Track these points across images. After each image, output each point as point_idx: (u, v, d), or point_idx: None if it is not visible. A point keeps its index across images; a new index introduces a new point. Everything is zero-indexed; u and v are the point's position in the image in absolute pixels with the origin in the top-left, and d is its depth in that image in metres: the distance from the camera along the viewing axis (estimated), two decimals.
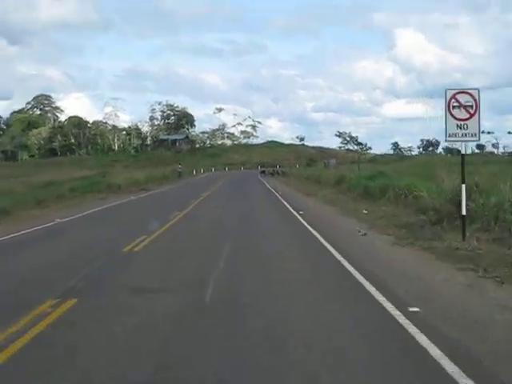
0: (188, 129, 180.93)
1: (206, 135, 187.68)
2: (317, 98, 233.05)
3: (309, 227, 22.39)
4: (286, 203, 35.83)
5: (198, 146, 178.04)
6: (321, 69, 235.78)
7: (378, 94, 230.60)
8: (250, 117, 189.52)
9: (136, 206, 37.96)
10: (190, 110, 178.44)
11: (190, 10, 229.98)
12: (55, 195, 40.63)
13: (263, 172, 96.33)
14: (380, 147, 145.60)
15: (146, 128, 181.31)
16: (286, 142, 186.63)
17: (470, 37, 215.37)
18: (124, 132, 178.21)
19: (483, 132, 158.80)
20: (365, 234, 19.95)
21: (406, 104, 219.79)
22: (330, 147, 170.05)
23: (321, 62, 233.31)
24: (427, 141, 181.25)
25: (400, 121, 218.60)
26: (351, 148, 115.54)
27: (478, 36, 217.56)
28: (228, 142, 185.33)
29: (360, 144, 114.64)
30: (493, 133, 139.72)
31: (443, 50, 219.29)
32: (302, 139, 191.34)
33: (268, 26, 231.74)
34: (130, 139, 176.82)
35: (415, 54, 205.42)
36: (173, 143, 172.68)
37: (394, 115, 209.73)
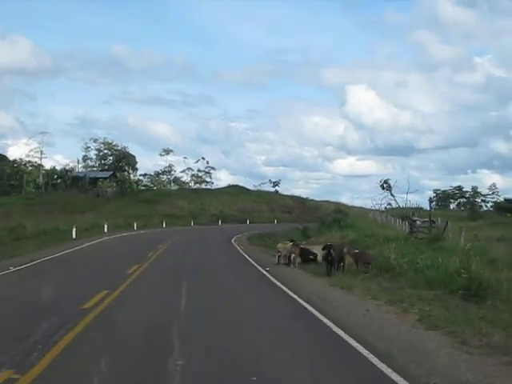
0: (129, 172, 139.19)
1: (148, 178, 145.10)
2: (268, 151, 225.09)
3: None
4: None
5: (130, 188, 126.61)
6: (272, 123, 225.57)
7: (329, 150, 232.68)
8: (203, 158, 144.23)
9: None
10: (138, 159, 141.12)
11: (141, 60, 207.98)
12: None
13: (329, 255, 22.73)
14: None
15: (79, 170, 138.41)
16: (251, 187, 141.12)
17: (422, 96, 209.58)
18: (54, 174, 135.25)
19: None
20: None
21: (356, 161, 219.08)
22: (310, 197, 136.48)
23: (272, 116, 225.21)
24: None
25: (350, 178, 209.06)
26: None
27: (430, 95, 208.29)
28: (174, 188, 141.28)
29: None
30: None
31: (395, 107, 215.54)
32: (276, 184, 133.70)
33: (219, 79, 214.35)
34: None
35: (367, 111, 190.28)
36: (92, 183, 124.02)
37: (345, 172, 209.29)
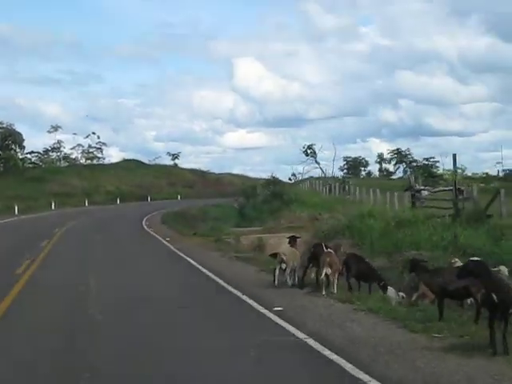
0: (15, 151, 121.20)
1: (36, 156, 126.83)
2: (158, 127, 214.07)
3: None
4: None
5: (15, 166, 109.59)
6: (161, 98, 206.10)
7: (218, 124, 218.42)
8: (93, 133, 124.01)
9: None
10: (28, 140, 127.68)
11: (28, 39, 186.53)
12: None
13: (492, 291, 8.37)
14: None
15: None
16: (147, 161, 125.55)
17: (310, 66, 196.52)
18: None
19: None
20: None
21: (246, 133, 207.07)
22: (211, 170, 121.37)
23: (161, 91, 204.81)
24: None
25: (241, 150, 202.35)
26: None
27: (318, 66, 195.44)
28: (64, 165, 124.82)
29: None
30: None
31: (283, 79, 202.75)
32: (175, 157, 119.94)
33: (107, 55, 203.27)
34: None
35: (255, 83, 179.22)
36: None
37: (235, 145, 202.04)
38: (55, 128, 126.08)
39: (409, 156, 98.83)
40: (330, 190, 44.95)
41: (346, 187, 41.32)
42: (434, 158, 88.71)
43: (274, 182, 45.56)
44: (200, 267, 17.70)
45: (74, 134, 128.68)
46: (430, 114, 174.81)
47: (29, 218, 47.87)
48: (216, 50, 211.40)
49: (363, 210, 24.68)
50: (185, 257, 20.57)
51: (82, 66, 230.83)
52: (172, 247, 23.89)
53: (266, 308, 11.11)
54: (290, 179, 71.09)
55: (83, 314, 11.17)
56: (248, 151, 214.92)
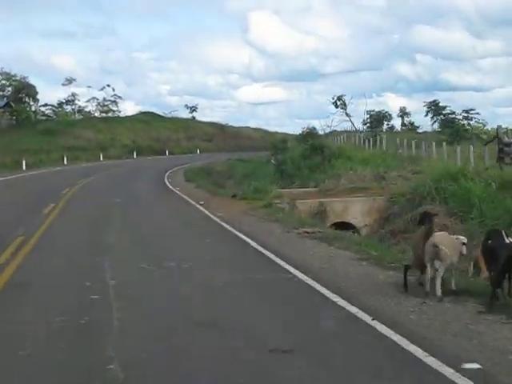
0: (29, 104, 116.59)
1: (49, 109, 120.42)
2: (172, 81, 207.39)
3: None
4: None
5: (28, 119, 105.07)
6: (176, 52, 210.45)
7: (234, 78, 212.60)
8: (108, 85, 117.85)
9: None
10: (42, 93, 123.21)
11: None
12: None
13: None
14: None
15: None
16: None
17: (327, 21, 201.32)
18: None
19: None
20: None
21: (261, 88, 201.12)
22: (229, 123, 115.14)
23: (176, 45, 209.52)
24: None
25: (257, 105, 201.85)
26: None
27: (334, 20, 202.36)
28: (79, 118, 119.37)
29: None
30: None
31: (299, 33, 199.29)
32: (193, 109, 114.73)
33: (122, 9, 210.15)
34: None
35: (271, 37, 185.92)
36: None
37: (251, 99, 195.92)
38: (69, 81, 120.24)
39: (447, 108, 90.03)
40: (376, 143, 39.59)
41: (397, 140, 36.06)
42: (474, 109, 79.26)
43: (311, 134, 40.01)
44: (264, 251, 12.11)
45: (89, 86, 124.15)
46: (446, 69, 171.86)
47: (37, 173, 42.73)
48: (230, 4, 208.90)
49: (449, 169, 19.21)
50: (236, 232, 14.87)
51: (96, 19, 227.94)
52: (211, 215, 18.38)
53: (447, 363, 5.67)
54: (302, 131, 66.26)
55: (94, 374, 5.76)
56: (263, 105, 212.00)
